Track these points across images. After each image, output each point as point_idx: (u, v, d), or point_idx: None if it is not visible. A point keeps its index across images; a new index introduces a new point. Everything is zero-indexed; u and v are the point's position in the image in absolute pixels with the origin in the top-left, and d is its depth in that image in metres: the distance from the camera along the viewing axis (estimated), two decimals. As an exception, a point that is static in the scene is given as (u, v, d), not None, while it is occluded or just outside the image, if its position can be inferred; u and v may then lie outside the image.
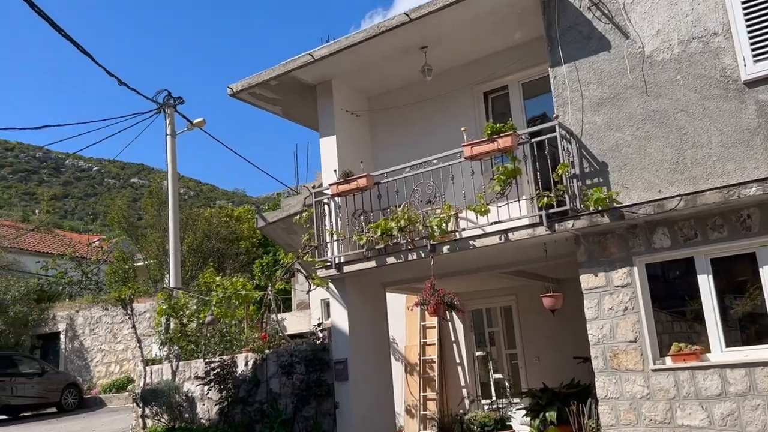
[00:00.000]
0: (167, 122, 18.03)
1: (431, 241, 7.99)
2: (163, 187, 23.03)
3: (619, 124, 7.29)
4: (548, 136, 7.45)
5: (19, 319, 20.77)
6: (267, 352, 10.41)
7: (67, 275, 23.48)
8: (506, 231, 7.54)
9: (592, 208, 7.10)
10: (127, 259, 22.03)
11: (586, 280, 7.29)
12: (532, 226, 7.43)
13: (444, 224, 7.89)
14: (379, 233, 8.33)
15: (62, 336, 21.43)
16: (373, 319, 9.68)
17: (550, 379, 9.99)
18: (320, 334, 10.38)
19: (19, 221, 31.84)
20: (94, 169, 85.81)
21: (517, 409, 10.45)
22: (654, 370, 6.78)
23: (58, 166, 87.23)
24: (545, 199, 7.20)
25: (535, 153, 7.60)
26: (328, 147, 9.59)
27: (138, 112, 18.26)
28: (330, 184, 8.93)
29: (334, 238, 9.01)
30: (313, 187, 9.66)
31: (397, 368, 11.32)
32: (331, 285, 9.41)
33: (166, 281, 17.17)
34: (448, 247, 7.95)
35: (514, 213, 7.62)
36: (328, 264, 9.02)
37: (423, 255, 8.12)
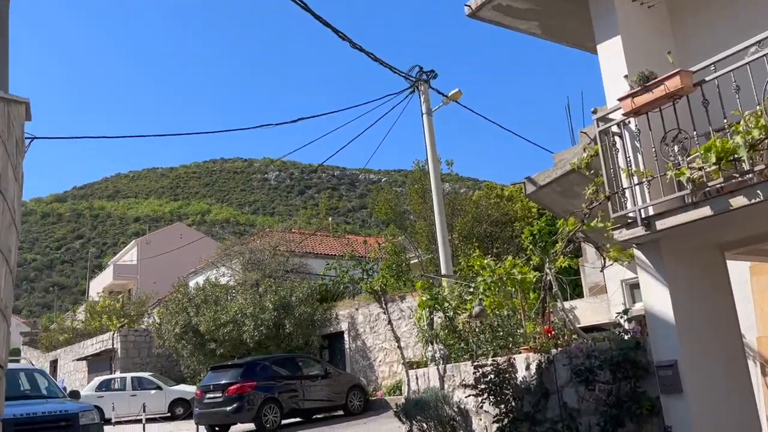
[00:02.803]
0: (422, 99, 17.08)
1: (817, 158, 4.60)
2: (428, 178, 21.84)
3: None
4: None
5: (305, 320, 20.93)
6: (554, 351, 7.75)
7: (348, 274, 23.46)
8: None
9: None
10: (399, 252, 21.01)
11: None
12: None
13: (843, 123, 4.46)
14: (713, 160, 5.15)
15: (346, 335, 21.09)
16: (710, 300, 6.40)
17: None
18: (627, 326, 7.38)
19: (304, 228, 33.47)
20: (383, 180, 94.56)
21: None
22: None
23: (353, 181, 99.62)
24: None
25: None
26: (612, 53, 6.59)
27: (391, 93, 17.18)
28: (621, 99, 5.93)
29: (635, 180, 6.00)
30: (595, 111, 6.71)
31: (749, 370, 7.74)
32: (637, 253, 6.39)
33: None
34: None
35: None
36: (630, 220, 6.03)
37: (801, 184, 4.76)
